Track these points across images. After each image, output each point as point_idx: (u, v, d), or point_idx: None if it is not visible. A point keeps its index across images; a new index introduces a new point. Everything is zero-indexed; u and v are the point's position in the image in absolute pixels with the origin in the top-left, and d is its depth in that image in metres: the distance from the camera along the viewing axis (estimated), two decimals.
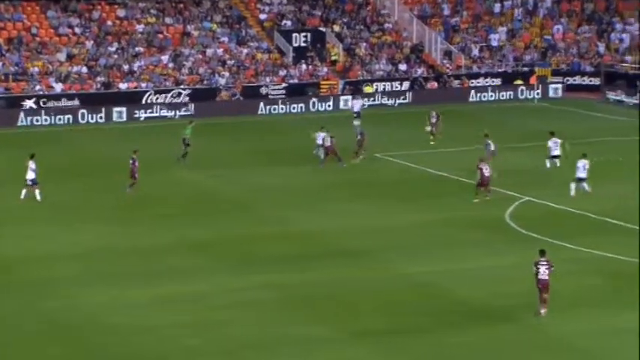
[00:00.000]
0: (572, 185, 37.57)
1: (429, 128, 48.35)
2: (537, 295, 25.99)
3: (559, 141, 41.47)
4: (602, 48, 65.05)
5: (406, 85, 61.59)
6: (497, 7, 68.52)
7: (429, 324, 25.62)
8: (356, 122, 50.98)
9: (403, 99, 60.38)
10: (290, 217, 35.87)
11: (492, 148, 42.01)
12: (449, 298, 27.56)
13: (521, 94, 61.44)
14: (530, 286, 27.11)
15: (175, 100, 58.00)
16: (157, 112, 56.75)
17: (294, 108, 58.36)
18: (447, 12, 67.94)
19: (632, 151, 45.69)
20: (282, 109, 58.22)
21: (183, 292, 27.97)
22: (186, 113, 56.44)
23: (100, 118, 55.81)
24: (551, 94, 61.56)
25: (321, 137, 43.53)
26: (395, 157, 45.40)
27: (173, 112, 56.79)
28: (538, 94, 61.08)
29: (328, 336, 24.78)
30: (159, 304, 27.03)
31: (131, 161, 38.49)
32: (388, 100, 60.16)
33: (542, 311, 26.07)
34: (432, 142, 47.60)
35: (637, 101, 57.90)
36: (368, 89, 60.92)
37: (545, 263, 25.93)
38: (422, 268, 29.97)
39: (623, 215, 34.96)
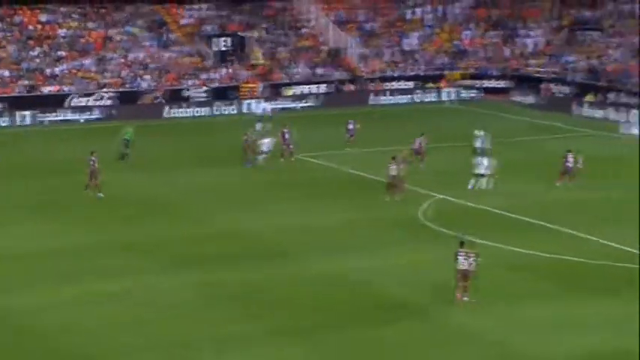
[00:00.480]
0: (472, 180, 38.02)
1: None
2: (456, 284, 26.18)
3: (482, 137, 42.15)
4: (508, 52, 65.96)
5: (323, 87, 61.64)
6: (409, 14, 69.04)
7: (349, 319, 25.50)
8: (259, 126, 48.87)
9: (306, 102, 59.99)
10: (217, 218, 35.48)
11: (416, 145, 42.20)
12: (368, 293, 27.50)
13: (433, 96, 61.96)
14: (445, 281, 27.25)
15: (99, 103, 57.15)
16: (62, 116, 55.66)
17: (197, 112, 57.54)
18: (362, 18, 68.20)
19: (536, 149, 46.37)
20: (197, 112, 57.69)
21: (112, 291, 27.39)
22: (91, 117, 55.66)
23: (4, 122, 54.44)
24: (461, 96, 62.20)
25: (266, 144, 42.57)
26: (316, 158, 45.31)
27: (79, 116, 55.86)
28: (449, 96, 61.80)
29: (249, 333, 24.49)
30: (88, 303, 26.45)
31: (91, 163, 37.58)
32: (294, 103, 59.66)
33: (465, 298, 26.30)
34: (347, 149, 46.44)
35: (533, 101, 58.90)
36: (288, 92, 60.78)
37: (463, 253, 26.15)
38: (342, 266, 29.86)
39: (529, 211, 35.37)
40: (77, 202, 37.40)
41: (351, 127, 47.09)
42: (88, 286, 27.74)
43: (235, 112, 58.14)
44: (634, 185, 39.81)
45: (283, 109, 58.13)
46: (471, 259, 26.09)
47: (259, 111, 51.61)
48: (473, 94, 62.41)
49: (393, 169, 37.27)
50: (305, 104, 59.89)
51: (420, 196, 37.80)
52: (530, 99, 59.82)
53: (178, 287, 27.81)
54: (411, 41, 66.71)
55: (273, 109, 53.61)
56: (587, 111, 56.40)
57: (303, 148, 46.03)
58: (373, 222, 34.68)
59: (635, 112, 53.70)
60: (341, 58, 64.63)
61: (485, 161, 38.18)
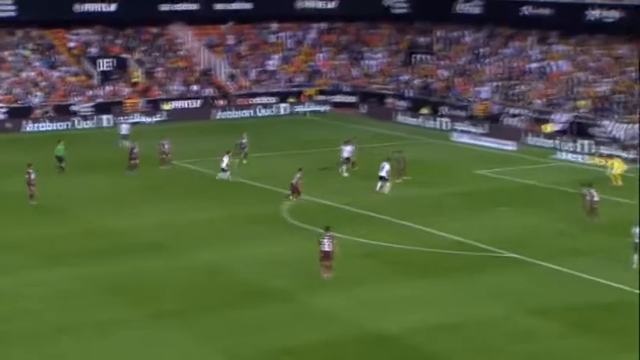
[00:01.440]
0: (379, 183, 38.08)
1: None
2: (320, 263, 26.73)
3: (349, 148, 42.17)
4: (355, 72, 67.02)
5: (198, 102, 61.16)
6: (271, 38, 69.26)
7: (219, 303, 25.44)
8: (125, 142, 47.56)
9: (160, 117, 58.23)
10: (99, 218, 34.74)
11: (345, 154, 41.88)
12: (235, 280, 27.51)
13: (294, 109, 62.35)
14: (303, 268, 27.54)
15: None
16: None
17: (60, 125, 55.14)
18: (230, 42, 68.04)
19: (380, 154, 47.15)
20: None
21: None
22: None
23: None
24: (317, 109, 62.80)
25: (225, 161, 40.51)
26: (191, 164, 44.92)
27: None
28: (307, 110, 62.36)
29: (130, 318, 24.20)
30: None
31: (27, 175, 36.05)
32: (145, 118, 57.60)
33: (326, 276, 26.74)
34: (244, 162, 44.18)
35: (377, 114, 59.69)
36: (166, 107, 60.03)
37: (327, 237, 26.76)
38: (212, 256, 29.76)
39: (373, 207, 36.01)
40: None
41: (244, 140, 45.12)
42: None
43: (81, 127, 55.74)
44: (460, 183, 41.17)
45: (135, 123, 55.96)
46: (331, 241, 26.73)
47: (124, 131, 49.81)
48: (326, 108, 63.13)
49: (296, 178, 37.00)
50: (143, 119, 57.62)
51: (282, 195, 38.00)
52: (374, 112, 60.90)
53: (61, 280, 27.11)
54: (273, 62, 66.96)
55: (129, 127, 51.46)
56: (421, 122, 57.84)
57: (180, 155, 45.56)
58: (240, 218, 34.66)
59: (459, 122, 55.53)
60: (212, 77, 64.30)
61: (387, 166, 38.37)
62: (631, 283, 26.80)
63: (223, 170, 40.79)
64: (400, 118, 58.91)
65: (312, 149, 44.73)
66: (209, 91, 62.49)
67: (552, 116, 52.14)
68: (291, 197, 36.94)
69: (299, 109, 62.35)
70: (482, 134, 52.83)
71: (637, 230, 28.14)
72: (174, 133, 49.95)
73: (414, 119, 58.16)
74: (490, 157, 47.49)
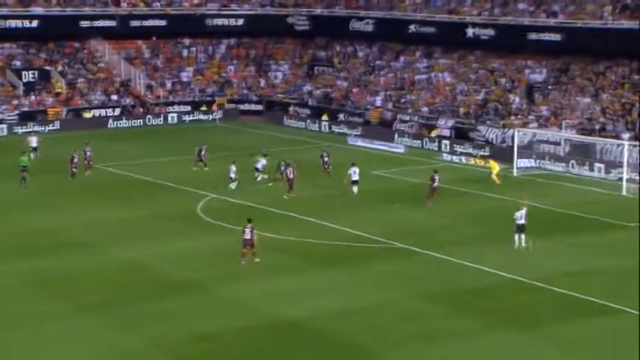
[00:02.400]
0: (354, 188, 37.70)
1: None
2: (242, 251, 27.24)
3: (263, 160, 41.61)
4: (262, 83, 67.08)
5: (117, 111, 60.06)
6: (185, 52, 68.66)
7: (139, 295, 25.21)
8: (36, 154, 45.76)
9: (53, 126, 56.12)
10: (30, 218, 33.88)
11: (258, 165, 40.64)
12: (154, 274, 27.26)
13: (206, 117, 61.93)
14: (218, 261, 27.50)
15: None
16: None
17: None
18: (147, 55, 67.10)
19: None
20: None
21: None
22: None
23: None
24: (227, 117, 62.55)
25: (232, 170, 38.73)
26: (111, 167, 44.17)
27: None
28: (218, 117, 62.07)
29: (58, 311, 23.79)
30: None
31: None
32: (39, 127, 55.06)
33: (256, 260, 27.31)
34: (205, 169, 42.95)
35: (283, 121, 60.00)
36: (87, 115, 58.74)
37: (249, 228, 27.31)
38: (133, 252, 29.40)
39: (282, 206, 36.18)
40: None
41: (203, 152, 43.79)
42: None
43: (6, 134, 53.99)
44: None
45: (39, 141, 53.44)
46: (254, 231, 27.26)
47: (34, 143, 47.97)
48: (235, 116, 62.95)
49: (290, 172, 37.04)
50: (51, 127, 55.40)
51: (197, 195, 37.80)
52: (280, 119, 61.08)
53: None
54: (187, 74, 66.39)
55: (37, 139, 49.46)
56: (323, 127, 58.33)
57: (100, 160, 44.71)
58: (159, 217, 34.30)
59: (357, 127, 56.30)
60: (131, 88, 63.26)
61: (357, 170, 37.78)
62: (505, 269, 27.85)
63: (232, 179, 39.04)
64: (301, 124, 59.30)
65: (226, 153, 44.59)
66: (128, 101, 61.47)
67: (438, 122, 53.47)
68: (289, 192, 36.70)
69: (211, 116, 61.99)
70: (373, 138, 53.49)
71: (519, 214, 29.65)
72: (97, 139, 48.97)
73: (316, 125, 58.59)
74: (384, 159, 48.30)
